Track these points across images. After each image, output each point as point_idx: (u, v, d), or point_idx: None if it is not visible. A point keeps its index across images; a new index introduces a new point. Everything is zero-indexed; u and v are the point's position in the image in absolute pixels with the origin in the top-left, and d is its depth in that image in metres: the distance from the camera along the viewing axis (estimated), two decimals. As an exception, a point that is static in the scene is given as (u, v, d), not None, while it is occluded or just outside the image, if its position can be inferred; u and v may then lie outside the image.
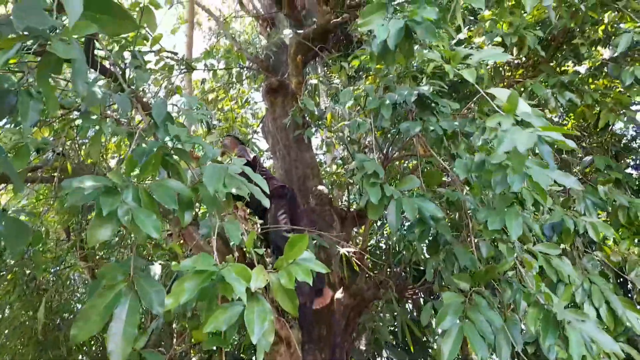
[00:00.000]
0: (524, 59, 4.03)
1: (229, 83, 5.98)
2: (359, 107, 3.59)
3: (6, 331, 3.57)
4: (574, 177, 1.69)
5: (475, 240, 2.23)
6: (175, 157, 1.51)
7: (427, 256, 2.50)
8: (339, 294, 3.49)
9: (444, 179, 2.84)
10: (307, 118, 4.12)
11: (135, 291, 1.25)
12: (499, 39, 3.15)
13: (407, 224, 2.80)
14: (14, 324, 3.52)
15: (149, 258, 4.01)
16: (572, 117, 4.28)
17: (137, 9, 2.66)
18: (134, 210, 1.23)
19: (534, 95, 3.21)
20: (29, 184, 2.51)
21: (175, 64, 4.60)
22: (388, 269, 4.14)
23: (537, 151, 1.50)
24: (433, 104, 2.49)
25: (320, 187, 4.09)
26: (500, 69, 3.81)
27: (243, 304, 1.29)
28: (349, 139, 4.01)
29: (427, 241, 2.36)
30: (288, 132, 4.26)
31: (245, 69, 5.21)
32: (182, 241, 2.61)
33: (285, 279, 1.37)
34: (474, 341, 1.67)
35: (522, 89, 3.37)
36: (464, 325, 1.72)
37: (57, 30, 0.98)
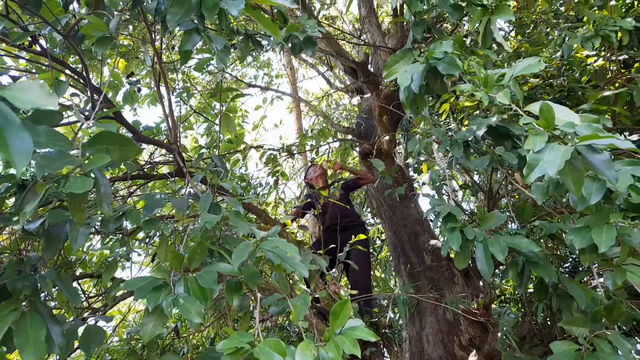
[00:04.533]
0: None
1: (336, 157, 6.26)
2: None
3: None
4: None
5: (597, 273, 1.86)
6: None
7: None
8: (471, 358, 3.13)
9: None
10: (401, 174, 4.04)
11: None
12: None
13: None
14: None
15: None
16: None
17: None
18: (179, 301, 1.33)
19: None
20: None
21: (278, 153, 4.99)
22: (532, 321, 3.61)
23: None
24: (507, 132, 2.27)
25: (432, 242, 3.87)
26: (604, 70, 3.33)
27: (291, 385, 1.25)
28: (440, 188, 3.79)
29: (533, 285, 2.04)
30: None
31: (343, 141, 5.41)
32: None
33: (332, 353, 1.31)
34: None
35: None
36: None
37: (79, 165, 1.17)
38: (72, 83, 2.60)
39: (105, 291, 3.01)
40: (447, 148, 2.52)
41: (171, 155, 3.20)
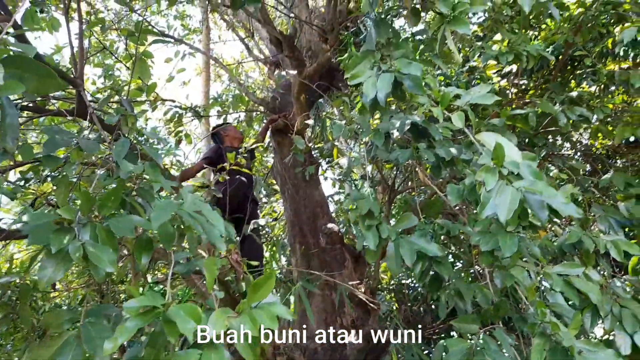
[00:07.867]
0: (531, 80, 3.91)
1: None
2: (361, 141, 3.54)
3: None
4: (572, 204, 1.53)
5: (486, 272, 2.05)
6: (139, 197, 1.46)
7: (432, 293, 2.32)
8: (352, 338, 3.29)
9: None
10: (309, 155, 4.08)
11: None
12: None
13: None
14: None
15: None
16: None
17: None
18: (88, 246, 1.17)
19: (543, 116, 3.05)
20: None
21: (184, 112, 4.70)
22: (408, 308, 3.93)
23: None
24: (427, 132, 2.39)
25: (330, 226, 3.97)
26: (507, 91, 3.68)
27: (198, 352, 1.18)
28: (349, 174, 3.92)
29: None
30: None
31: (253, 112, 5.27)
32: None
33: (248, 325, 1.25)
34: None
35: (533, 109, 3.23)
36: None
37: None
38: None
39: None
40: (368, 137, 2.58)
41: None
